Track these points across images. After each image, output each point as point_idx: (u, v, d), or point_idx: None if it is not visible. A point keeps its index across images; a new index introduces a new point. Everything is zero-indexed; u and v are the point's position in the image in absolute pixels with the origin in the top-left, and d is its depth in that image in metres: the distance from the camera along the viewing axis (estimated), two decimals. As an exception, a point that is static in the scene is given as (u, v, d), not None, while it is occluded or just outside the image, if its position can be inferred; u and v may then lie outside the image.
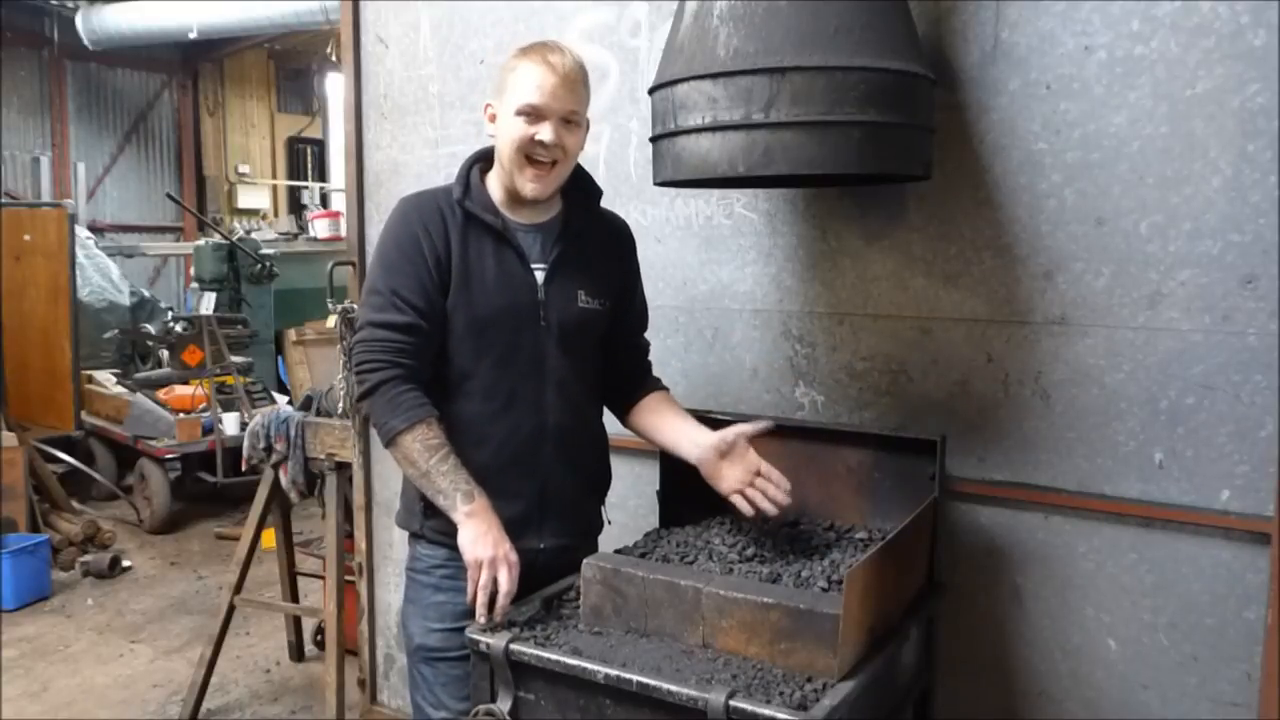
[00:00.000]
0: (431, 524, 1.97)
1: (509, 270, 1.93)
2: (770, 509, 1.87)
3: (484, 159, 2.00)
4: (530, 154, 1.87)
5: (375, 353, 1.85)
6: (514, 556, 1.77)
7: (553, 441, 1.94)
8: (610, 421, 2.14)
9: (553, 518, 1.98)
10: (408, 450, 1.83)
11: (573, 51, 1.90)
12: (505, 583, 1.74)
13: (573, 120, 1.89)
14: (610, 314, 2.05)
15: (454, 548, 1.95)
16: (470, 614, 1.81)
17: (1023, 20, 1.98)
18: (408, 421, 1.82)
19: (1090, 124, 1.93)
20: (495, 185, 1.97)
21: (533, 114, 1.85)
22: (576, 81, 1.88)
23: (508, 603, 1.75)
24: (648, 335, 2.22)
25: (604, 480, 2.15)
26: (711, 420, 2.21)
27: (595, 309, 2.00)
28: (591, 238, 2.02)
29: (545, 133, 1.85)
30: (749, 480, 1.88)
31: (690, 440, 1.97)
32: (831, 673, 1.51)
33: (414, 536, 2.04)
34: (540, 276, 1.94)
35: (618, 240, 2.11)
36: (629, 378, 2.13)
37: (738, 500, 1.90)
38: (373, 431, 3.11)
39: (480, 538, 1.77)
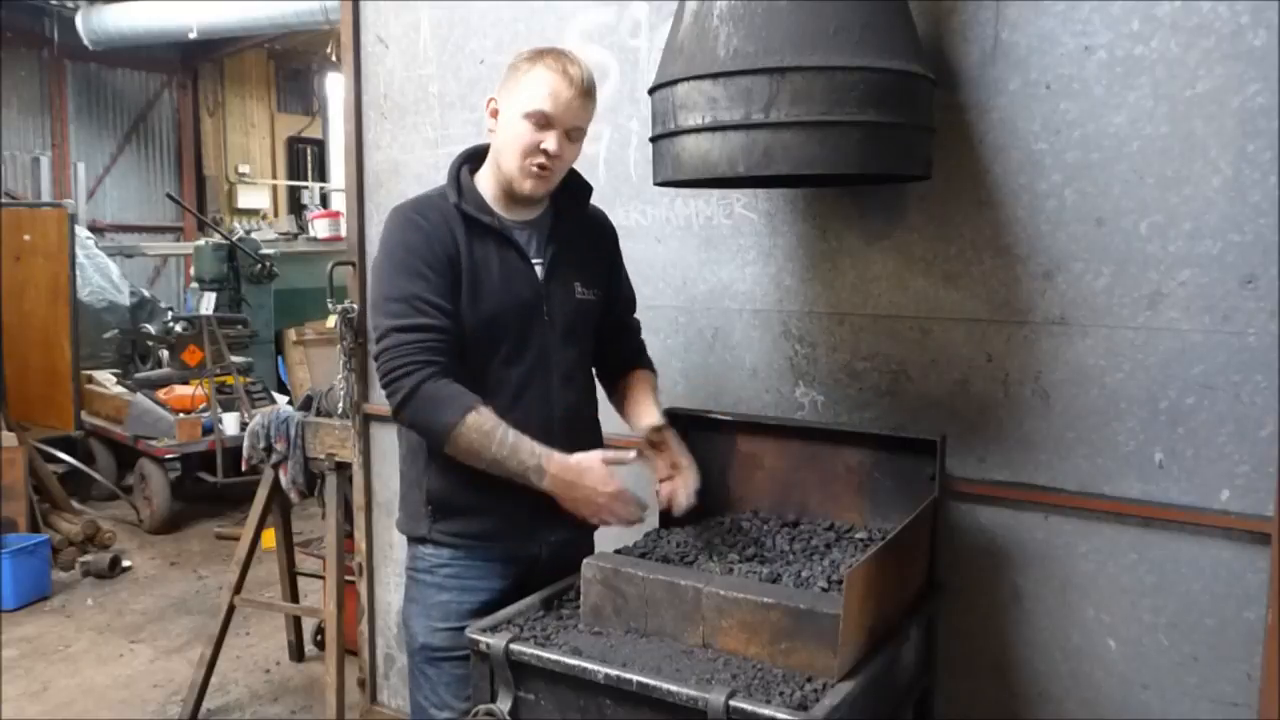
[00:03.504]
0: (440, 527, 1.97)
1: (513, 268, 1.95)
2: (678, 504, 1.96)
3: (471, 158, 2.02)
4: (531, 158, 1.88)
5: (406, 355, 1.81)
6: (609, 485, 1.83)
7: (560, 433, 1.94)
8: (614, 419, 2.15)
9: (560, 510, 1.97)
10: (468, 444, 1.81)
11: (584, 63, 1.91)
12: (630, 508, 1.86)
13: (576, 134, 1.92)
14: (602, 303, 2.10)
15: (459, 547, 1.97)
16: (475, 614, 1.82)
17: (1023, 20, 1.98)
18: (458, 414, 1.80)
19: (1090, 124, 1.93)
20: (486, 183, 1.98)
21: (542, 121, 1.86)
22: (589, 97, 1.91)
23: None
24: (646, 335, 2.25)
25: None
26: (712, 420, 2.22)
27: (590, 299, 2.06)
28: (581, 232, 2.07)
29: (550, 142, 1.86)
30: (667, 474, 1.99)
31: (635, 424, 2.06)
32: (831, 673, 1.51)
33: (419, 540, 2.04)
34: (540, 272, 1.97)
35: (603, 233, 2.17)
36: (622, 357, 2.19)
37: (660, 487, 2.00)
38: (372, 431, 3.15)
39: (575, 501, 1.85)
